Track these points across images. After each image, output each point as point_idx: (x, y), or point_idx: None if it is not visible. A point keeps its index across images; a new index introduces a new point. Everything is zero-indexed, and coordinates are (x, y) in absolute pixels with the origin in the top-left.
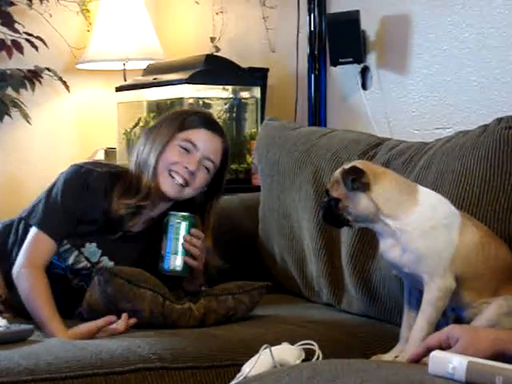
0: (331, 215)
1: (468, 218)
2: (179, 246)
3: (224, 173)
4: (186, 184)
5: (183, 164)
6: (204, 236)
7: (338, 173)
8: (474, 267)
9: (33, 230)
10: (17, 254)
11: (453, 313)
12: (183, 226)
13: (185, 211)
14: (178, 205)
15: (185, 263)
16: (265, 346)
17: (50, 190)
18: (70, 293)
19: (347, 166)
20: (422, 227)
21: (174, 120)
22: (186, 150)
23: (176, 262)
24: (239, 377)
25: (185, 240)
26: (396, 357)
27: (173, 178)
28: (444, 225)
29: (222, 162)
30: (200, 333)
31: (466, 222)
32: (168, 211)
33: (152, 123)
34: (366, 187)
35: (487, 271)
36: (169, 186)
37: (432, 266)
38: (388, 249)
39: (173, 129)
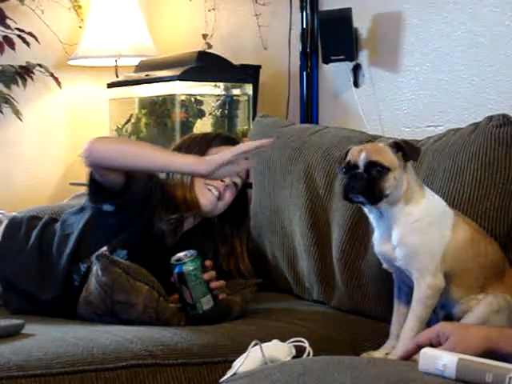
0: (372, 187)
1: (460, 215)
2: (204, 289)
3: (246, 193)
4: (220, 198)
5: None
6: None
7: (383, 144)
8: (463, 264)
9: None
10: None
11: (442, 310)
12: (198, 268)
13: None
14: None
15: (214, 298)
16: (254, 342)
17: None
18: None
19: (388, 141)
20: (420, 221)
21: (202, 138)
22: None
23: (207, 302)
24: (230, 373)
25: (206, 280)
26: (387, 354)
27: (209, 190)
28: (438, 222)
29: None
30: (191, 329)
31: (459, 220)
32: (169, 263)
33: (144, 120)
34: (409, 159)
35: (476, 268)
36: (207, 199)
37: (423, 262)
38: (382, 240)
39: (204, 145)
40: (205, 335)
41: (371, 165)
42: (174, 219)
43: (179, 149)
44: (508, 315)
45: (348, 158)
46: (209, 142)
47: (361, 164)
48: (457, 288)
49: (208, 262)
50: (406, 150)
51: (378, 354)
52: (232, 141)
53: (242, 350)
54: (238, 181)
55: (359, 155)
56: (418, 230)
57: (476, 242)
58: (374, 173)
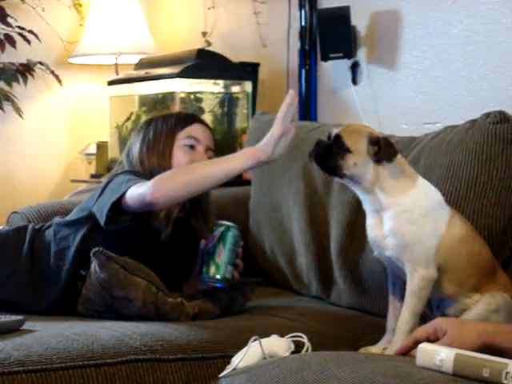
0: (327, 157)
1: (457, 212)
2: (234, 258)
3: None
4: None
5: (194, 160)
6: None
7: (366, 132)
8: (456, 259)
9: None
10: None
11: (438, 310)
12: (238, 238)
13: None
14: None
15: (232, 274)
16: (254, 337)
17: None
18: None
19: (375, 133)
20: (411, 212)
21: (167, 123)
22: (191, 146)
23: (229, 272)
24: (229, 368)
25: (237, 253)
26: (384, 349)
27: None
28: (432, 214)
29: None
30: (190, 325)
31: (455, 216)
32: (221, 221)
33: (144, 118)
34: (380, 160)
35: (469, 265)
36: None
37: (416, 254)
38: (373, 226)
39: (171, 131)
40: (204, 330)
41: (336, 138)
42: (165, 213)
43: (148, 135)
44: (507, 314)
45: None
46: (172, 129)
47: (332, 135)
48: (449, 283)
49: (242, 243)
50: (381, 147)
51: (376, 349)
52: (193, 117)
53: (241, 345)
54: (211, 154)
55: (336, 129)
56: (408, 220)
57: (471, 240)
58: (334, 146)
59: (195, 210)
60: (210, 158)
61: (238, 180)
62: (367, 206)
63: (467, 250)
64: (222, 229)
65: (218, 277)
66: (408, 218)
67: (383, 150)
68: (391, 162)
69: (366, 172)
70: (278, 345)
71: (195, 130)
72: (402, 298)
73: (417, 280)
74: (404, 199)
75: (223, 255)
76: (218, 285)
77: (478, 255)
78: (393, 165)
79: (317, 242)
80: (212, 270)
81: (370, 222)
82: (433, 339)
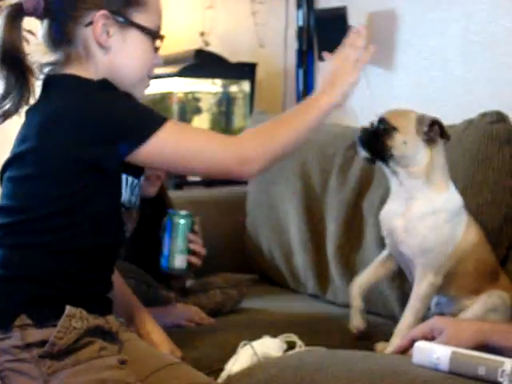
0: (375, 141)
1: (472, 219)
2: (183, 245)
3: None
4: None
5: None
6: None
7: (413, 112)
8: (464, 266)
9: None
10: None
11: (437, 307)
12: (186, 224)
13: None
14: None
15: (188, 262)
16: (243, 342)
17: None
18: None
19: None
20: (438, 215)
21: None
22: None
23: (180, 261)
24: (224, 376)
25: (189, 239)
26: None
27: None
28: (454, 220)
29: None
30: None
31: (471, 221)
32: (169, 210)
33: None
34: (432, 141)
35: (474, 272)
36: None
37: (431, 260)
38: (395, 213)
39: None
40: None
41: (380, 121)
42: None
43: None
44: (504, 313)
45: None
46: None
47: (375, 121)
48: (450, 286)
49: (197, 227)
50: (432, 126)
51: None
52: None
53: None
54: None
55: (380, 115)
56: (434, 223)
57: (481, 247)
58: (381, 128)
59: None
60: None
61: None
62: (399, 193)
63: (476, 257)
64: (165, 219)
65: (167, 267)
66: (435, 221)
67: (434, 129)
68: (443, 140)
69: (417, 152)
70: (270, 345)
71: None
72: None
73: (425, 286)
74: (439, 198)
75: (169, 245)
76: (178, 274)
77: (484, 262)
78: (443, 153)
79: (313, 240)
80: (162, 261)
81: (395, 208)
82: (429, 338)
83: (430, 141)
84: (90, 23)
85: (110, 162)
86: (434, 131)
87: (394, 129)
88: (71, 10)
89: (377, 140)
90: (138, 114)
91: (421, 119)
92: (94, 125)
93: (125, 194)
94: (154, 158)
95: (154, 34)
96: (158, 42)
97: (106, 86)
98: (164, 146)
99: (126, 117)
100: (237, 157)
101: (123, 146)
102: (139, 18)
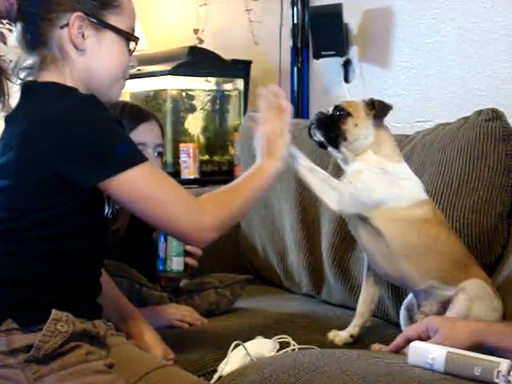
0: (329, 126)
1: (433, 203)
2: (179, 248)
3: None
4: None
5: None
6: None
7: (363, 100)
8: (409, 238)
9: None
10: None
11: (420, 309)
12: None
13: None
14: None
15: (185, 264)
16: (235, 343)
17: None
18: None
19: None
20: (376, 168)
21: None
22: None
23: (177, 263)
24: (217, 377)
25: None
26: (352, 336)
27: None
28: (399, 183)
29: None
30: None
31: (428, 202)
32: None
33: None
34: (378, 115)
35: (427, 251)
36: None
37: (354, 188)
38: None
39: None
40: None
41: (335, 108)
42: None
43: None
44: (488, 302)
45: None
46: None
47: (330, 108)
48: (412, 270)
49: None
50: (377, 106)
51: (344, 333)
52: (136, 119)
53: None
54: (160, 149)
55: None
56: (375, 175)
57: (429, 225)
58: (335, 114)
59: None
60: (159, 153)
61: (230, 178)
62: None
63: (424, 233)
64: None
65: (164, 270)
66: (376, 173)
67: (377, 107)
68: (385, 115)
69: (367, 133)
70: (262, 346)
71: (140, 133)
72: (375, 283)
73: (331, 198)
74: (387, 162)
75: (166, 248)
76: (176, 276)
77: (434, 240)
78: (390, 133)
79: (308, 239)
80: (158, 264)
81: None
82: (424, 338)
83: (377, 122)
84: (66, 25)
85: (83, 182)
86: (377, 108)
87: (348, 114)
88: (46, 12)
89: (332, 124)
90: (122, 144)
91: (368, 103)
92: (76, 141)
93: (107, 208)
94: (123, 193)
95: (128, 36)
96: (132, 45)
97: (96, 104)
98: (136, 183)
99: (109, 143)
100: (196, 224)
101: (98, 171)
102: (114, 20)
